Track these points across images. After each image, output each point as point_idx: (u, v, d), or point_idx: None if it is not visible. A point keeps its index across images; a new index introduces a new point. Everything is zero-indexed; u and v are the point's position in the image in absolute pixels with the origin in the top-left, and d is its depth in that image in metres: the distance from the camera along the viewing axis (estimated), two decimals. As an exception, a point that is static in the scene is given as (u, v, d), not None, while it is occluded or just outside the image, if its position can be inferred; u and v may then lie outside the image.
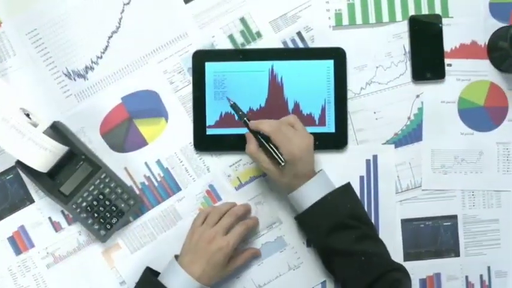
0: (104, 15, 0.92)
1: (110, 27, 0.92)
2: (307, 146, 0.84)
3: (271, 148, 0.83)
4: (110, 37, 0.92)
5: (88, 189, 0.88)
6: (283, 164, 0.82)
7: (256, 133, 0.84)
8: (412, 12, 0.93)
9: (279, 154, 0.82)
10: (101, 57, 0.92)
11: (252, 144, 0.84)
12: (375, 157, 0.93)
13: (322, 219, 0.84)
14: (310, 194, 0.85)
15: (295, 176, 0.84)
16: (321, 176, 0.86)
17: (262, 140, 0.83)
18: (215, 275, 0.84)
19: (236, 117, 0.87)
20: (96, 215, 0.89)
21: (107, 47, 0.92)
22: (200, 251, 0.84)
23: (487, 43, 0.93)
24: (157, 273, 0.87)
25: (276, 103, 0.92)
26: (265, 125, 0.83)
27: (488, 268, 0.93)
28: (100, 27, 0.92)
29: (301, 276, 0.92)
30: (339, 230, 0.83)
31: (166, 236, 0.92)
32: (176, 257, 0.86)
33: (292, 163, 0.82)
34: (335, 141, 0.92)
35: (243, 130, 0.86)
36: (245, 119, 0.85)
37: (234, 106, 0.86)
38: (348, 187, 0.88)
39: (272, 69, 0.92)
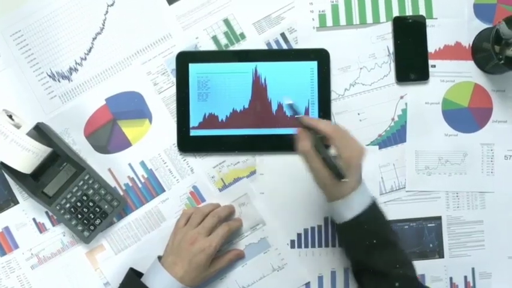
0: (88, 17, 0.93)
1: (94, 28, 0.93)
2: (363, 155, 0.76)
3: (331, 160, 0.73)
4: (94, 38, 0.93)
5: (72, 191, 0.88)
6: (345, 179, 0.73)
7: (316, 136, 0.74)
8: (396, 13, 0.93)
9: (339, 167, 0.73)
10: (85, 58, 0.93)
11: (305, 141, 0.74)
12: (359, 158, 0.93)
13: (365, 233, 0.78)
14: (354, 204, 0.78)
15: (343, 184, 0.76)
16: (364, 186, 0.79)
17: (323, 147, 0.73)
18: (197, 276, 0.84)
19: (287, 113, 0.81)
20: (79, 216, 0.89)
21: (91, 48, 0.93)
22: (182, 252, 0.84)
23: (471, 44, 0.93)
24: (140, 274, 0.87)
25: (260, 104, 0.92)
26: (324, 124, 0.74)
27: (473, 269, 0.93)
28: (84, 28, 0.93)
29: (285, 277, 0.92)
30: (378, 247, 0.78)
31: (150, 237, 0.92)
32: (159, 258, 0.87)
33: (349, 171, 0.74)
34: (319, 142, 0.92)
35: (226, 131, 0.86)
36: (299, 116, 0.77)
37: (291, 106, 0.78)
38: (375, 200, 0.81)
39: (256, 71, 0.92)
